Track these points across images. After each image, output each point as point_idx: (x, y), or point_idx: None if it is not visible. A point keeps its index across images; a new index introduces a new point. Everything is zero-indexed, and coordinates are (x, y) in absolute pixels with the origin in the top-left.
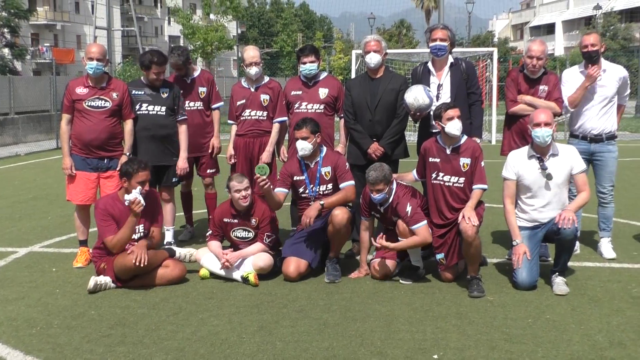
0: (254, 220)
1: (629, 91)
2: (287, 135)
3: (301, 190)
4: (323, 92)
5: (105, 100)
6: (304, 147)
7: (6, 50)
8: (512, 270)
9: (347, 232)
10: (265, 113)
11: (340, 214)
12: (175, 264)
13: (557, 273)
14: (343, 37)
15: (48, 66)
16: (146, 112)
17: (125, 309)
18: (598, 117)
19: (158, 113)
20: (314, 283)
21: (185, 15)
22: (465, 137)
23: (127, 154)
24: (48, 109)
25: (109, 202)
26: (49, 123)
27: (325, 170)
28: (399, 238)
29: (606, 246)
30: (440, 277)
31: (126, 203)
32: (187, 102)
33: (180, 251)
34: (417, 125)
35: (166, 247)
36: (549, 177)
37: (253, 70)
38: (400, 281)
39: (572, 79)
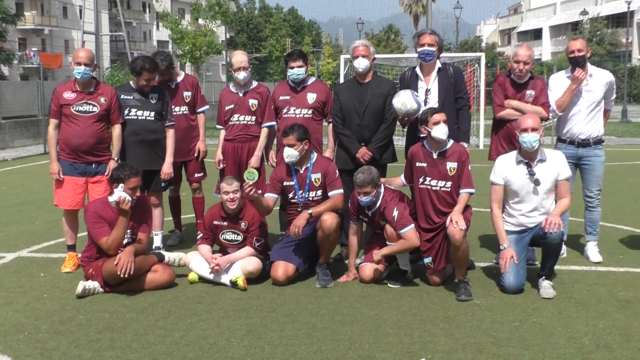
0: (243, 223)
1: (614, 96)
2: (275, 140)
3: (290, 195)
4: (311, 97)
5: (93, 105)
6: (290, 154)
7: None
8: (500, 274)
9: (337, 237)
10: (253, 118)
11: (329, 219)
12: (164, 268)
13: (543, 277)
14: (331, 42)
15: (36, 71)
16: (135, 117)
17: (113, 313)
18: (585, 122)
19: (147, 118)
20: (302, 287)
21: (173, 20)
22: (451, 142)
23: (116, 158)
24: (35, 114)
25: (99, 206)
26: (36, 128)
27: (316, 176)
28: (387, 242)
29: (592, 250)
30: (428, 280)
31: (113, 205)
32: (172, 106)
33: (169, 255)
34: (406, 129)
35: (155, 251)
36: (537, 182)
37: (241, 75)
38: (389, 285)
39: (559, 84)
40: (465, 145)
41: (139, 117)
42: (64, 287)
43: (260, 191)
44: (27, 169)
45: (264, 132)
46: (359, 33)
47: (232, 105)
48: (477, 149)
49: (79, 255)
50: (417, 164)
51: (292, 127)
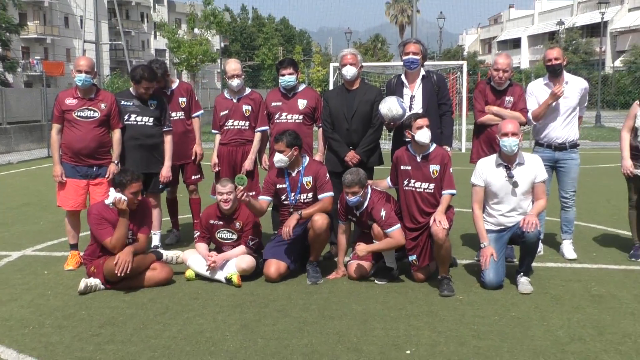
0: (237, 223)
1: (587, 102)
2: (268, 144)
3: (283, 197)
4: (302, 103)
5: (94, 111)
6: (279, 159)
7: None
8: (480, 271)
9: (327, 236)
10: (247, 123)
11: (320, 220)
12: (162, 266)
13: (521, 273)
14: (321, 51)
15: (39, 78)
16: (134, 122)
17: (114, 309)
18: (562, 127)
19: (146, 123)
20: (293, 284)
21: (170, 29)
22: (434, 145)
23: (116, 162)
24: (39, 119)
25: (102, 208)
26: (40, 132)
27: (307, 179)
28: (374, 241)
29: (568, 247)
30: (413, 277)
31: (111, 206)
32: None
33: (167, 254)
34: (392, 134)
35: (154, 250)
36: (515, 184)
37: (235, 82)
38: (376, 281)
39: (536, 91)
40: (448, 148)
41: (138, 123)
42: (67, 284)
43: (253, 193)
44: (32, 172)
45: (257, 136)
46: (347, 42)
47: (226, 111)
48: (459, 152)
49: (81, 253)
50: (402, 167)
51: (283, 134)
